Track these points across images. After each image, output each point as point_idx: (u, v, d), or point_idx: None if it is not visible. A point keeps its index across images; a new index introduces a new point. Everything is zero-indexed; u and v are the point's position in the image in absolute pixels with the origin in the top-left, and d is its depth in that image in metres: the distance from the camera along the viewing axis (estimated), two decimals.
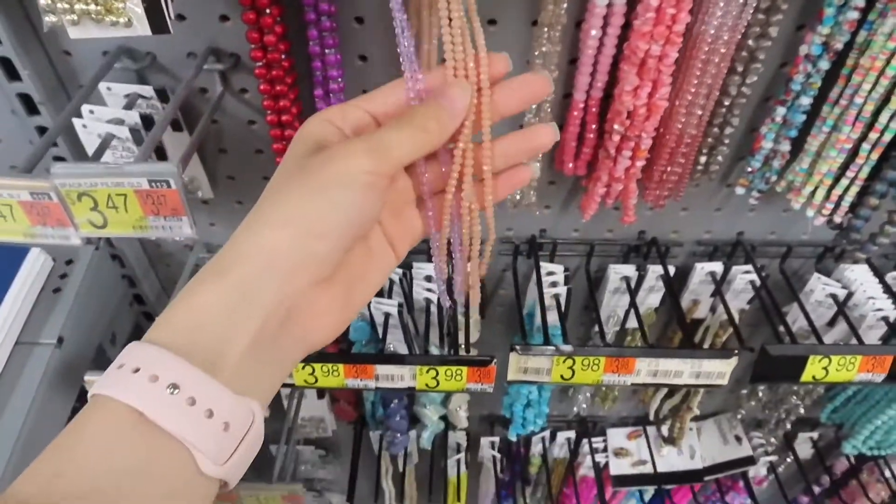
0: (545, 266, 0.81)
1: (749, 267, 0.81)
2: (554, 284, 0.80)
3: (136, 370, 0.28)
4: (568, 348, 0.63)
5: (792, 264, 0.85)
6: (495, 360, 0.65)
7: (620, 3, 0.55)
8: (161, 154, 0.68)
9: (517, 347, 0.63)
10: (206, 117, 0.63)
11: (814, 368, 0.65)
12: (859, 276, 0.80)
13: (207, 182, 0.75)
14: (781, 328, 0.72)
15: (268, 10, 0.53)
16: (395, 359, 0.66)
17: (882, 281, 0.76)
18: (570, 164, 0.68)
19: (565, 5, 0.54)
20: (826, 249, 0.82)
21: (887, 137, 0.59)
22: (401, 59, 0.35)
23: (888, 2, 0.53)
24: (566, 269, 0.81)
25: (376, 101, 0.36)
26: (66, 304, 0.73)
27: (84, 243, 0.56)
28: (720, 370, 0.65)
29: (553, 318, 0.77)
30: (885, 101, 0.57)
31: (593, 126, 0.64)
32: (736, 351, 0.64)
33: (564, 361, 0.64)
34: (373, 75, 0.63)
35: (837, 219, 0.66)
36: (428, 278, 0.81)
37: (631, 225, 0.79)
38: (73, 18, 0.42)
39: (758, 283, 0.80)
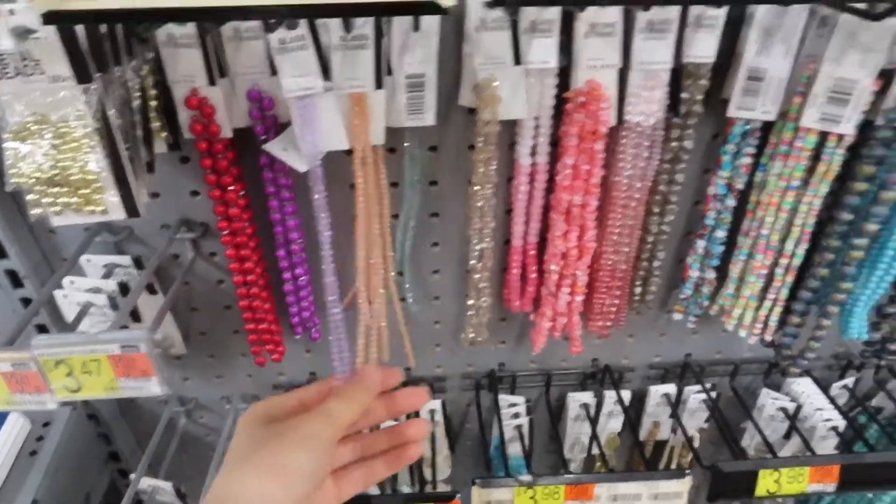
0: (507, 398, 0.85)
1: (700, 387, 0.85)
2: (516, 416, 0.83)
3: None
4: (527, 478, 0.66)
5: (742, 380, 0.89)
6: (459, 495, 0.67)
7: (543, 162, 0.63)
8: (136, 316, 0.73)
9: (477, 481, 0.65)
10: (178, 282, 0.68)
11: (766, 482, 0.68)
12: (805, 388, 0.85)
13: (181, 339, 0.79)
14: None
15: (231, 187, 0.60)
16: (362, 500, 0.68)
17: (825, 392, 0.80)
18: (517, 303, 0.73)
19: (494, 166, 0.62)
20: (771, 365, 0.86)
21: (797, 262, 0.66)
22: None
23: (774, 147, 0.62)
24: (528, 400, 0.84)
25: (304, 392, 0.48)
26: (42, 467, 0.75)
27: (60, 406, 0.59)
28: (676, 490, 0.67)
29: (516, 448, 0.79)
30: (788, 230, 0.64)
31: (533, 267, 0.70)
32: (688, 470, 0.66)
33: (526, 492, 0.66)
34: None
35: (768, 337, 0.71)
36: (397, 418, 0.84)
37: (583, 354, 0.84)
38: (56, 210, 0.48)
39: (710, 402, 0.84)
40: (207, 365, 0.83)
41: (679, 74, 0.57)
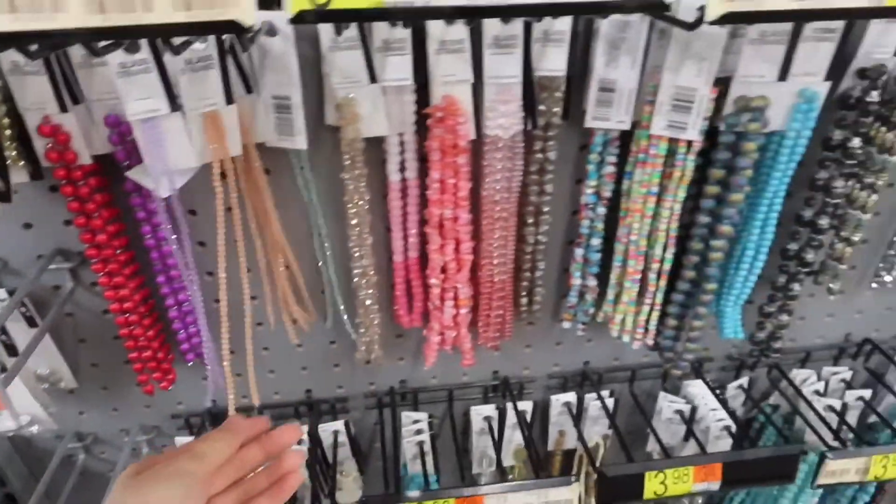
0: (411, 415, 0.85)
1: (603, 393, 0.86)
2: (419, 432, 0.83)
3: None
4: (415, 494, 0.66)
5: (643, 385, 0.91)
6: None
7: (413, 177, 0.64)
8: (14, 350, 0.71)
9: (366, 499, 0.65)
10: (53, 313, 0.67)
11: (653, 485, 0.69)
12: (700, 390, 0.87)
13: (70, 373, 0.77)
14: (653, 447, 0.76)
15: (95, 215, 0.59)
16: None
17: (714, 393, 0.82)
18: (406, 318, 0.74)
19: (364, 183, 0.63)
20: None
21: (667, 266, 0.68)
22: None
23: (634, 155, 0.64)
24: (431, 416, 0.85)
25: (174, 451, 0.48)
26: None
27: None
28: (566, 497, 0.68)
29: (417, 465, 0.79)
30: (655, 236, 0.66)
31: (418, 282, 0.71)
32: (574, 476, 0.67)
33: None
34: (211, 260, 0.69)
35: (649, 341, 0.73)
36: (298, 441, 0.83)
37: (484, 366, 0.84)
38: None
39: (609, 408, 0.85)
40: (102, 397, 0.81)
41: (532, 88, 0.59)
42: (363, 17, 0.37)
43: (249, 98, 0.57)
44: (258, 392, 0.73)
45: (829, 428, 0.79)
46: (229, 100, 0.54)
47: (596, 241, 0.70)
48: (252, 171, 0.61)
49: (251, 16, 0.36)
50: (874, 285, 0.81)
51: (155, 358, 0.70)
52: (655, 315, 0.71)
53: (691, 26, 0.42)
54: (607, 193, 0.67)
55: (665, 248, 0.66)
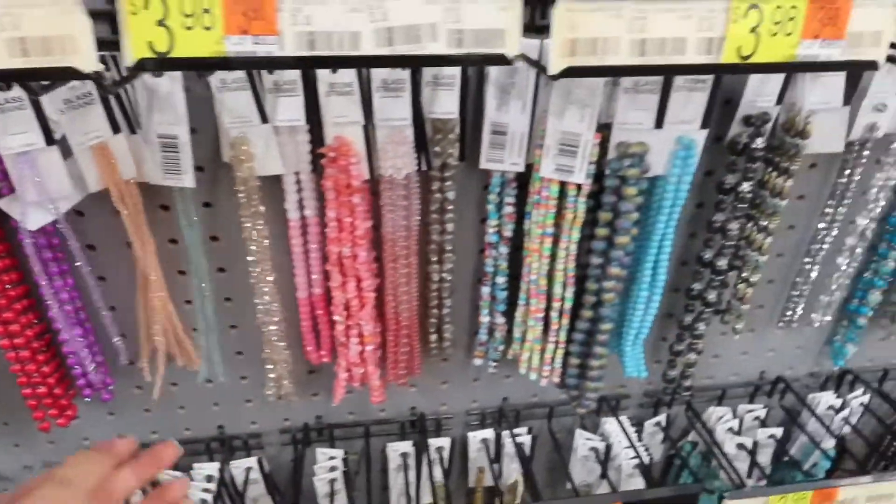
0: (326, 451, 0.84)
1: (521, 430, 0.86)
2: (333, 469, 0.82)
3: None
4: None
5: (564, 422, 0.91)
6: None
7: (312, 215, 0.64)
8: None
9: None
10: None
11: None
12: (617, 427, 0.87)
13: None
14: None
15: None
16: None
17: (624, 431, 0.83)
18: (315, 354, 0.73)
19: (262, 221, 0.63)
20: None
21: (568, 305, 0.68)
22: None
23: (532, 195, 0.65)
24: (346, 453, 0.84)
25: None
26: None
27: None
28: None
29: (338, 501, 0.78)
30: (554, 275, 0.67)
31: (324, 318, 0.71)
32: None
33: None
34: (112, 293, 0.68)
35: (556, 379, 0.74)
36: (209, 478, 0.81)
37: (401, 402, 0.84)
38: None
39: (527, 445, 0.85)
40: (3, 433, 0.79)
41: (423, 130, 0.60)
42: (204, 66, 0.37)
43: (134, 137, 0.57)
44: (169, 428, 0.72)
45: (732, 468, 0.79)
46: (115, 129, 0.54)
47: (501, 280, 0.70)
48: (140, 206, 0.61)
49: (92, 63, 0.36)
50: (780, 325, 0.82)
51: (51, 394, 0.68)
52: (560, 353, 0.72)
53: (554, 77, 0.43)
54: (508, 233, 0.67)
55: (564, 288, 0.67)
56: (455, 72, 0.58)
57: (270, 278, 0.67)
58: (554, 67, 0.40)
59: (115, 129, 0.54)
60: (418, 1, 0.38)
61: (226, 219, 0.66)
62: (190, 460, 0.83)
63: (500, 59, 0.39)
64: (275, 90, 0.57)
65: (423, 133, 0.60)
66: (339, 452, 0.84)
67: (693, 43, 0.40)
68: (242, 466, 0.83)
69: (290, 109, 0.57)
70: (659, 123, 0.56)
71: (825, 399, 0.91)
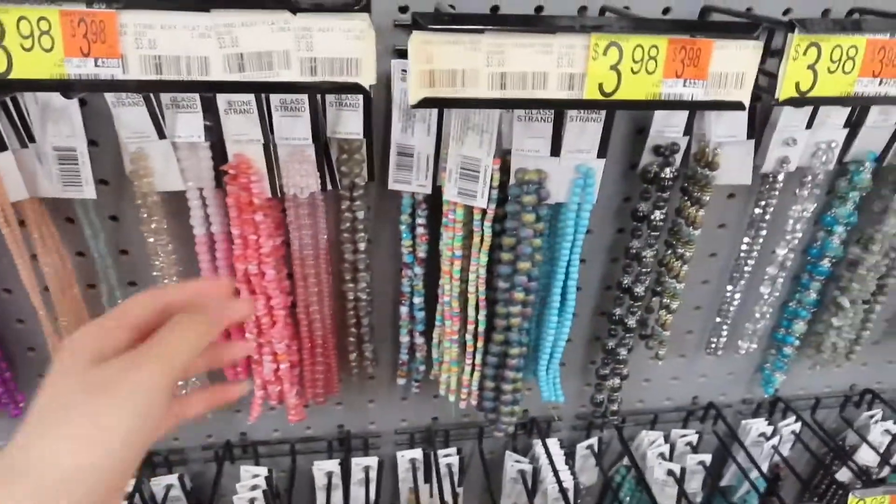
0: (250, 469, 0.83)
1: (450, 450, 0.86)
2: (255, 487, 0.81)
3: None
4: None
5: (499, 441, 0.90)
6: None
7: (219, 231, 0.63)
8: None
9: None
10: None
11: None
12: (550, 447, 0.86)
13: None
14: None
15: None
16: None
17: (547, 455, 0.82)
18: (231, 371, 0.73)
19: (164, 236, 0.62)
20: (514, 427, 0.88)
21: (481, 329, 0.68)
22: None
23: (444, 216, 0.64)
24: (270, 471, 0.83)
25: (137, 312, 0.37)
26: None
27: None
28: None
29: None
30: (466, 298, 0.66)
31: (238, 335, 0.70)
32: None
33: None
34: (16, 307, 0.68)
35: (473, 401, 0.73)
36: (128, 496, 0.80)
37: (328, 420, 0.83)
38: None
39: (455, 466, 0.84)
40: None
41: (327, 149, 0.60)
42: (44, 88, 0.36)
43: (26, 151, 0.56)
44: None
45: (649, 496, 0.78)
46: (2, 147, 0.54)
47: (418, 300, 0.70)
48: (45, 220, 0.61)
49: None
50: (707, 351, 0.82)
51: None
52: (477, 375, 0.71)
53: (414, 106, 0.42)
54: (421, 254, 0.67)
55: (477, 310, 0.67)
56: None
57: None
58: (412, 97, 0.39)
59: (2, 146, 0.54)
60: (268, 28, 0.37)
61: (133, 232, 0.65)
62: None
63: (356, 88, 0.39)
64: (173, 106, 0.56)
65: (326, 153, 0.59)
66: (262, 470, 0.83)
67: (555, 78, 0.40)
68: (163, 483, 0.82)
69: (189, 125, 0.57)
70: (555, 151, 0.55)
71: (757, 426, 0.90)
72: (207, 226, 0.63)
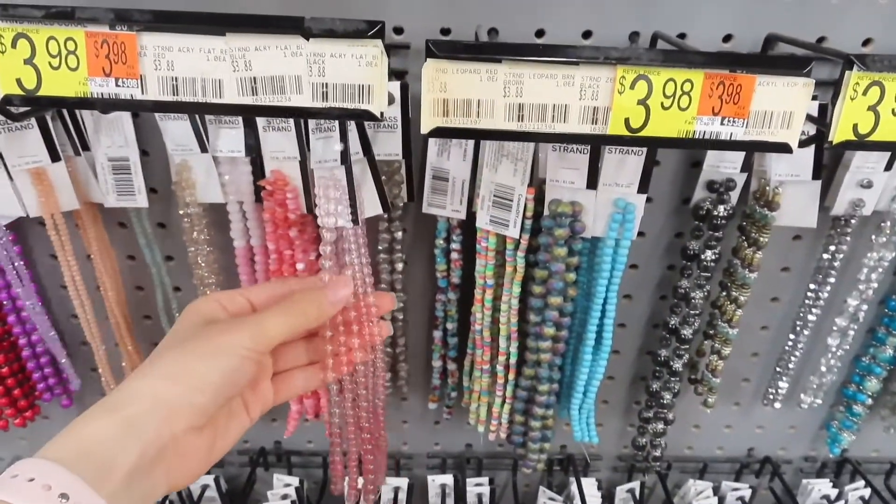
0: (283, 478, 0.84)
1: (482, 480, 0.83)
2: (285, 497, 0.82)
3: (31, 479, 0.32)
4: None
5: (534, 475, 0.87)
6: None
7: (259, 244, 0.64)
8: None
9: None
10: None
11: None
12: (586, 488, 0.82)
13: None
14: None
15: None
16: None
17: (581, 497, 0.78)
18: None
19: (207, 247, 0.63)
20: (551, 462, 0.85)
21: (513, 360, 0.65)
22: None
23: (478, 243, 0.62)
24: (302, 481, 0.83)
25: (257, 292, 0.46)
26: None
27: None
28: None
29: None
30: (498, 328, 0.64)
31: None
32: None
33: None
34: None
35: (503, 434, 0.70)
36: None
37: None
38: None
39: (486, 498, 0.82)
40: None
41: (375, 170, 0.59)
42: (69, 105, 0.38)
43: (80, 159, 0.58)
44: None
45: None
46: (55, 157, 0.56)
47: (451, 326, 0.68)
48: (97, 225, 0.63)
49: None
50: (764, 402, 0.76)
51: (8, 395, 0.71)
52: (507, 408, 0.69)
53: (426, 135, 0.40)
54: (456, 279, 0.65)
55: (509, 341, 0.64)
56: (396, 112, 0.57)
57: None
58: (424, 126, 0.38)
59: (55, 156, 0.56)
60: (280, 53, 0.37)
61: (179, 240, 0.67)
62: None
63: (367, 115, 0.38)
64: (216, 121, 0.57)
65: (375, 173, 0.59)
66: (294, 480, 0.83)
67: (576, 111, 0.38)
68: (200, 482, 0.84)
69: (230, 141, 0.58)
70: (592, 184, 0.52)
71: (820, 487, 0.83)
72: (247, 238, 0.64)
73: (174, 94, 0.38)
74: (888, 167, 0.59)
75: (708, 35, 0.55)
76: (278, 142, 0.57)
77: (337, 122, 0.54)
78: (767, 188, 0.58)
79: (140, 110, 0.50)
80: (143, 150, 0.62)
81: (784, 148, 0.38)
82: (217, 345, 0.39)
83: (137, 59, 0.37)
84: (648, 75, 0.37)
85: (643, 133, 0.38)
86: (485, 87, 0.37)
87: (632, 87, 0.37)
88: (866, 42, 0.57)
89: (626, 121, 0.38)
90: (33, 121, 0.54)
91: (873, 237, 0.63)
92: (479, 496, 0.83)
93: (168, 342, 0.41)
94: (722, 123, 0.38)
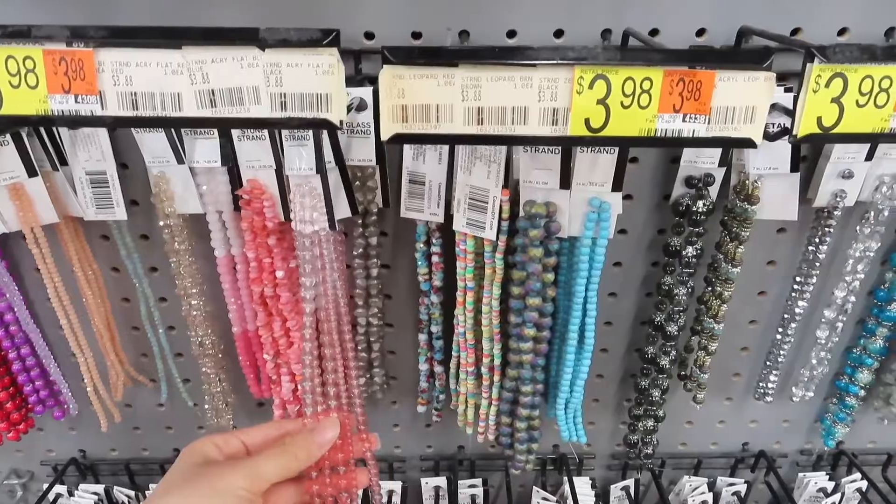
0: None
1: (475, 481, 0.83)
2: None
3: None
4: None
5: (527, 476, 0.87)
6: None
7: (238, 253, 0.64)
8: None
9: None
10: None
11: None
12: (579, 487, 0.82)
13: None
14: None
15: None
16: None
17: (573, 496, 0.78)
18: (256, 388, 0.74)
19: (188, 257, 0.64)
20: (544, 462, 0.84)
21: (497, 362, 0.65)
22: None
23: (456, 246, 0.62)
24: None
25: (252, 434, 0.49)
26: None
27: None
28: None
29: None
30: (481, 330, 0.64)
31: (260, 354, 0.71)
32: None
33: None
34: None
35: (490, 436, 0.70)
36: None
37: None
38: None
39: (480, 499, 0.82)
40: None
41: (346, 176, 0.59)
42: (28, 123, 0.38)
43: (58, 174, 0.59)
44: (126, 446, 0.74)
45: None
46: (31, 173, 0.57)
47: (435, 328, 0.68)
48: (79, 238, 0.64)
49: None
50: (755, 396, 0.75)
51: (0, 409, 0.72)
52: (494, 409, 0.69)
53: (386, 142, 0.40)
54: (437, 282, 0.65)
55: (491, 343, 0.64)
56: (368, 118, 0.57)
57: (196, 312, 0.67)
58: (384, 133, 0.38)
59: (31, 171, 0.57)
60: (237, 64, 0.37)
61: (161, 251, 0.67)
62: (146, 480, 0.85)
63: (326, 124, 0.38)
64: (192, 132, 0.57)
65: (345, 180, 0.59)
66: None
67: (536, 113, 0.37)
68: None
69: (206, 151, 0.58)
70: (565, 184, 0.52)
71: (816, 480, 0.82)
72: (228, 247, 0.64)
73: (134, 109, 0.38)
74: (868, 157, 0.58)
75: (681, 30, 0.55)
76: (253, 151, 0.57)
77: (311, 130, 0.54)
78: (746, 182, 0.57)
79: (101, 126, 0.50)
80: (122, 163, 0.62)
81: (748, 143, 0.38)
82: (216, 487, 0.42)
83: (96, 76, 0.37)
84: (607, 75, 0.36)
85: (604, 133, 0.38)
86: (443, 92, 0.37)
87: (590, 86, 0.37)
88: (842, 31, 0.56)
89: (587, 121, 0.37)
90: (9, 137, 0.54)
91: (858, 228, 0.62)
92: (473, 497, 0.83)
93: (168, 481, 0.43)
94: (684, 120, 0.37)
